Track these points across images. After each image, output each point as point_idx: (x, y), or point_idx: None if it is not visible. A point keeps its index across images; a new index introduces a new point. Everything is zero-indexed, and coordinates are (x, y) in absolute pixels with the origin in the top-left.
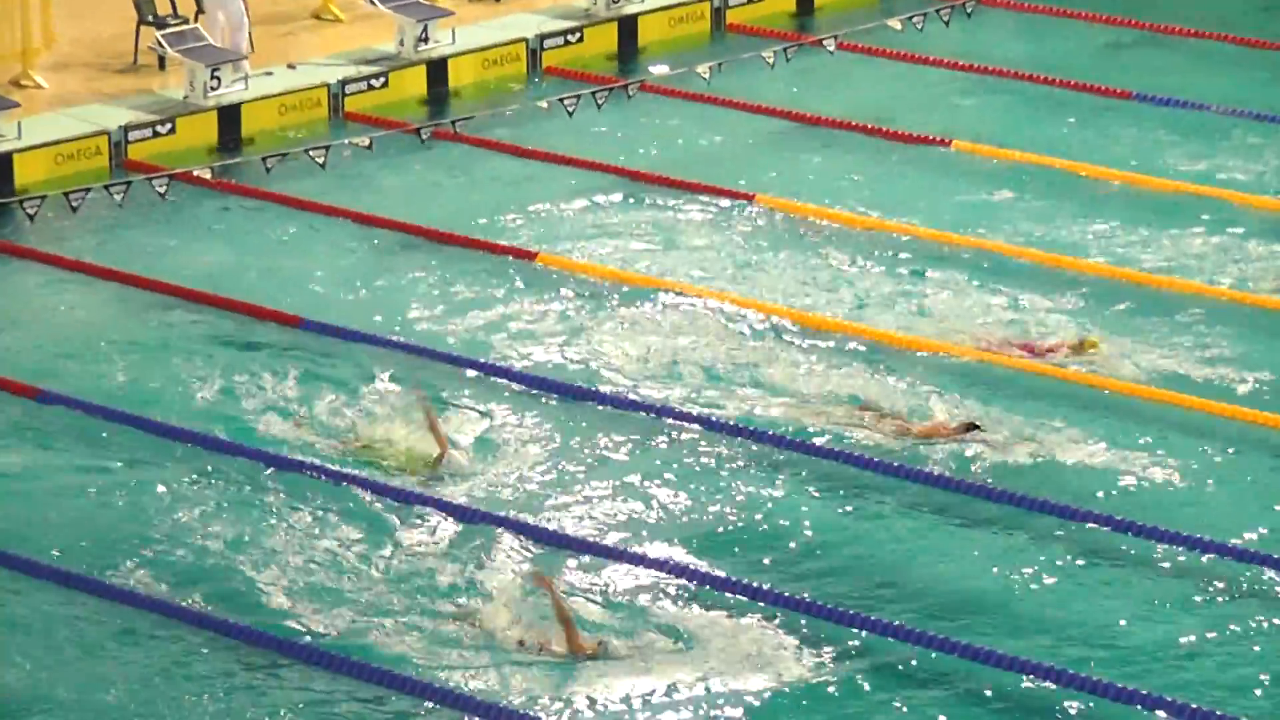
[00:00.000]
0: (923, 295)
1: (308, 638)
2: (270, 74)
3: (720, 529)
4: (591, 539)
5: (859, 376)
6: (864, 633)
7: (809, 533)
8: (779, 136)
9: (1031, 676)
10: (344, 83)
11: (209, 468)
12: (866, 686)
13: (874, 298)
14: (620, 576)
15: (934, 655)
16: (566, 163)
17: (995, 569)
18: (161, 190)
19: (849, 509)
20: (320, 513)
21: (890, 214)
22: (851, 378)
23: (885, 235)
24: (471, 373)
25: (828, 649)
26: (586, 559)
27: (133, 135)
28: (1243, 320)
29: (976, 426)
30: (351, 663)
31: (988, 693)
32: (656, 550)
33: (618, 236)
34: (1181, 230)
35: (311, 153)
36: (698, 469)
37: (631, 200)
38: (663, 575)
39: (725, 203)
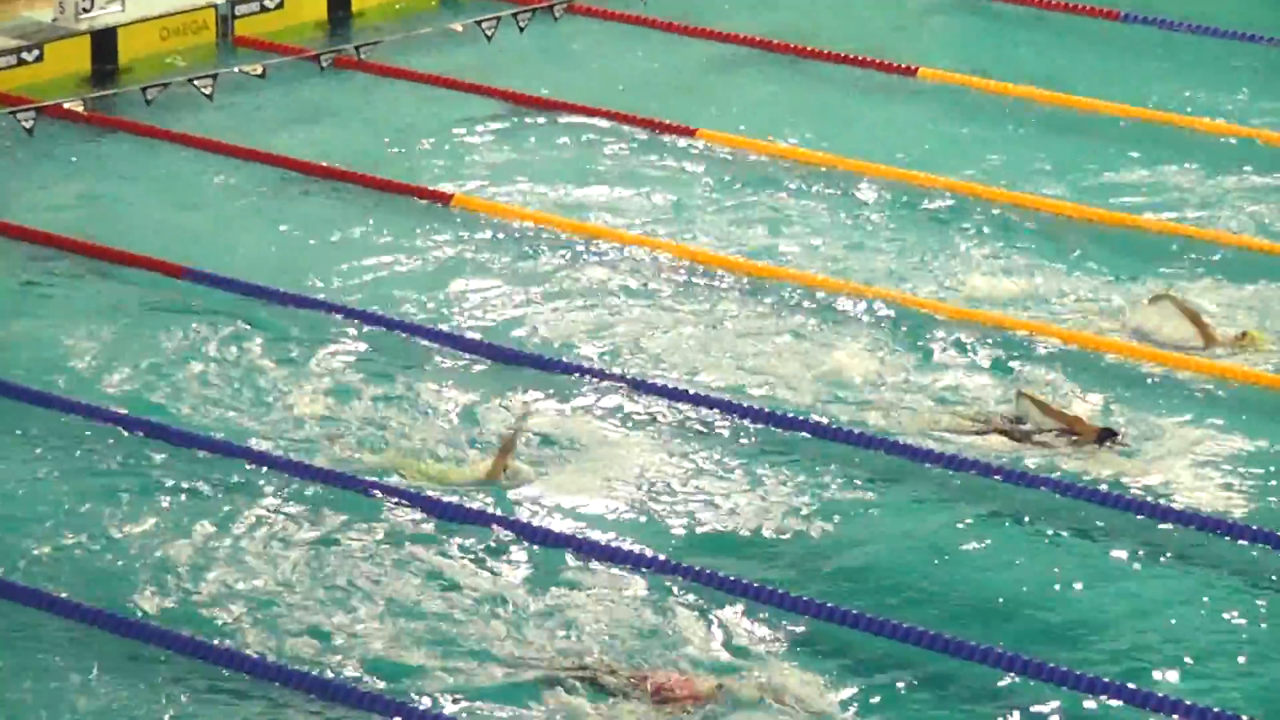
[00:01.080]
0: (902, 245)
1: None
2: None
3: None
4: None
5: (851, 343)
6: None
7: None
8: (725, 63)
9: None
10: (233, 3)
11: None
12: None
13: (846, 247)
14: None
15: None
16: (485, 93)
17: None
18: (28, 126)
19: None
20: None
21: (852, 151)
22: (840, 343)
23: (847, 175)
24: (381, 331)
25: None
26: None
27: None
28: None
29: (1113, 434)
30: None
31: None
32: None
33: (544, 176)
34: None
35: (197, 82)
36: (691, 450)
37: (559, 135)
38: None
39: (664, 138)
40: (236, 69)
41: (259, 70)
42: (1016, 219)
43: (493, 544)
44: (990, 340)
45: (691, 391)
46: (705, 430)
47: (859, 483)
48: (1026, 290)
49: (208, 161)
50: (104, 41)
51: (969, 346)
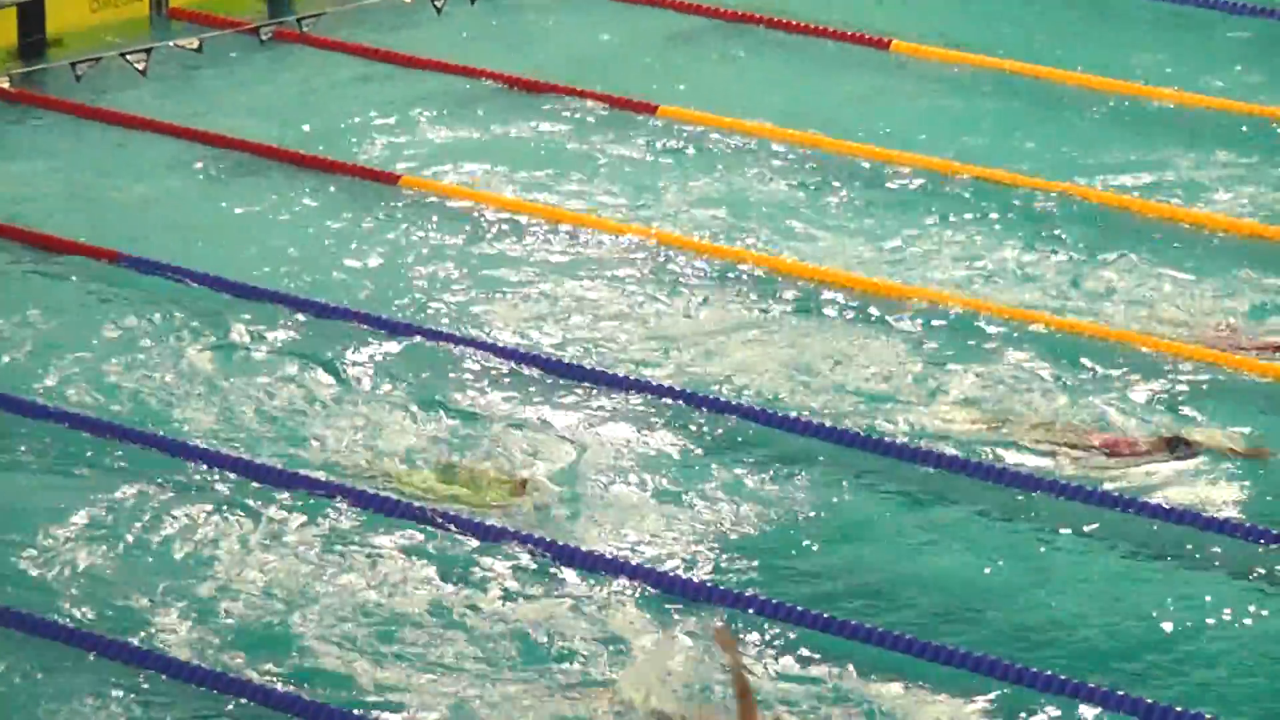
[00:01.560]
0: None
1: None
2: None
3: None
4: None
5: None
6: None
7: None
8: (687, 36)
9: None
10: None
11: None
12: None
13: (827, 232)
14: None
15: None
16: (434, 67)
17: None
18: None
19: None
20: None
21: (823, 127)
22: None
23: (817, 153)
24: (329, 321)
25: None
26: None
27: None
28: None
29: (1185, 443)
30: None
31: None
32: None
33: (497, 156)
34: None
35: (130, 57)
36: (679, 445)
37: (512, 113)
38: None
39: (624, 115)
40: (171, 43)
41: (195, 44)
42: (996, 198)
43: (522, 566)
44: (971, 325)
45: (663, 383)
46: (680, 425)
47: (912, 497)
48: (997, 269)
49: (142, 141)
50: (31, 14)
51: (940, 331)
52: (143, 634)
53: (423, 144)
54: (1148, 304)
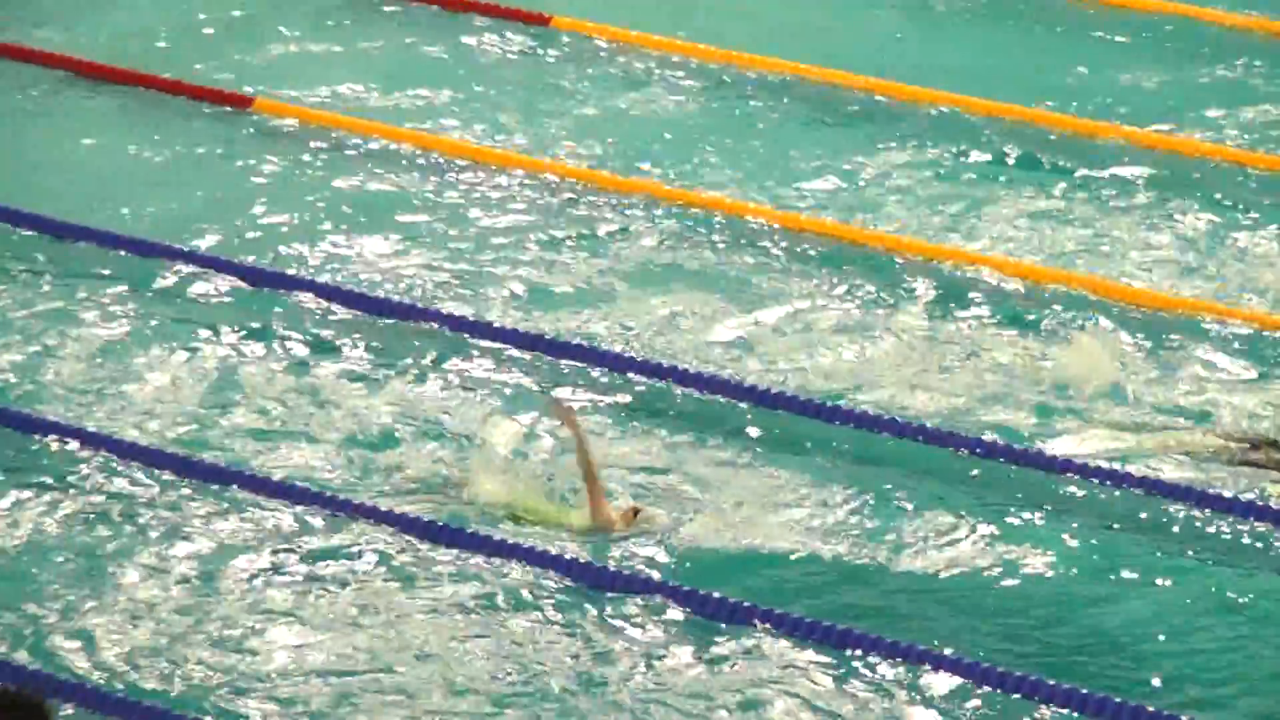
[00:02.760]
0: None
1: None
2: None
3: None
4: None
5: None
6: None
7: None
8: None
9: None
10: None
11: None
12: None
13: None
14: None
15: None
16: None
17: None
18: None
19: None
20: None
21: (739, 44)
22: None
23: (731, 70)
24: (182, 267)
25: None
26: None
27: None
28: None
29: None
30: None
31: None
32: None
33: (362, 74)
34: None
35: None
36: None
37: (379, 25)
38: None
39: (511, 26)
40: None
41: None
42: (954, 124)
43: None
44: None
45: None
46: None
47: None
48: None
49: None
50: None
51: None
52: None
53: (279, 60)
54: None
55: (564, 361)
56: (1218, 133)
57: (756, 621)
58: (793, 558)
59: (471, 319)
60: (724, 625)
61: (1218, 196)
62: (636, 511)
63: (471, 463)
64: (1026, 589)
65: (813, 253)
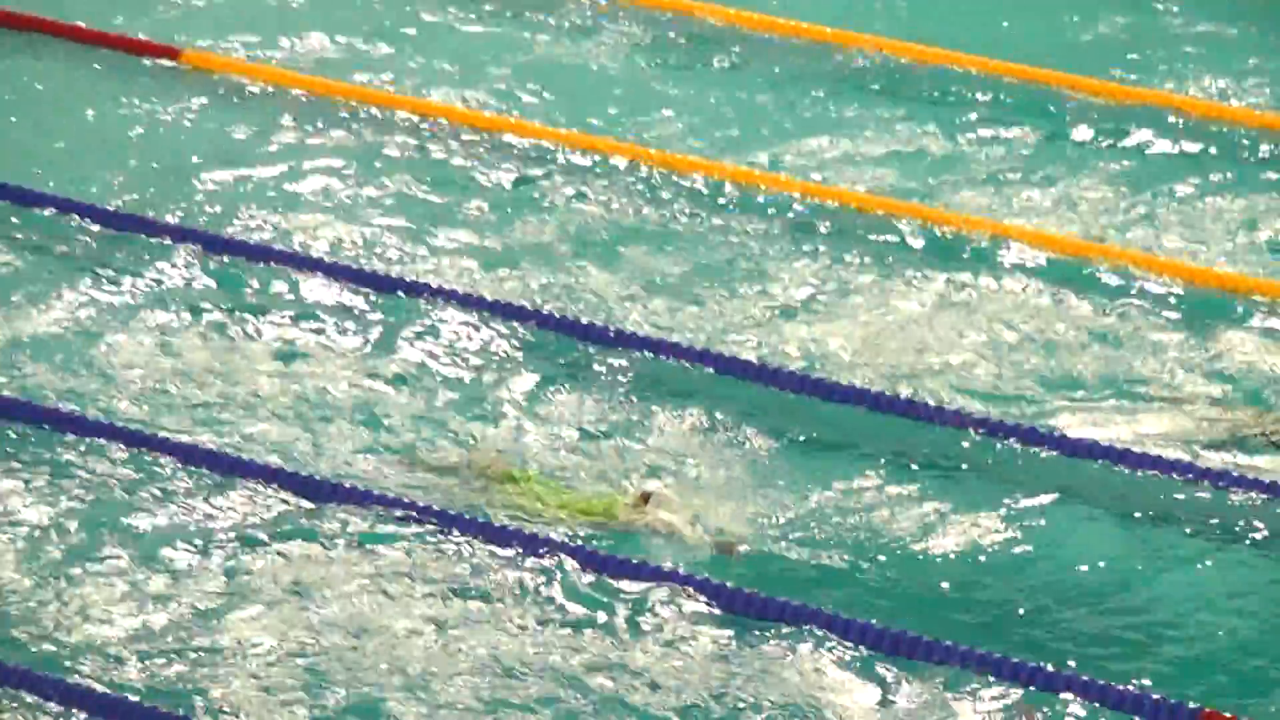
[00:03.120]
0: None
1: None
2: None
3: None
4: None
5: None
6: None
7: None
8: None
9: None
10: None
11: None
12: None
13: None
14: None
15: None
16: None
17: None
18: None
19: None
20: None
21: None
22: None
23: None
24: (101, 230)
25: None
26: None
27: None
28: None
29: None
30: None
31: None
32: None
33: (296, 24)
34: None
35: None
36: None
37: None
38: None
39: None
40: None
41: None
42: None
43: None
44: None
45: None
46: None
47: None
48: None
49: None
50: None
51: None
52: None
53: (206, 7)
54: None
55: (518, 325)
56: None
57: (780, 615)
58: (807, 546)
59: (433, 285)
60: (746, 619)
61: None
62: (648, 496)
63: (474, 454)
64: (1072, 580)
65: (777, 212)
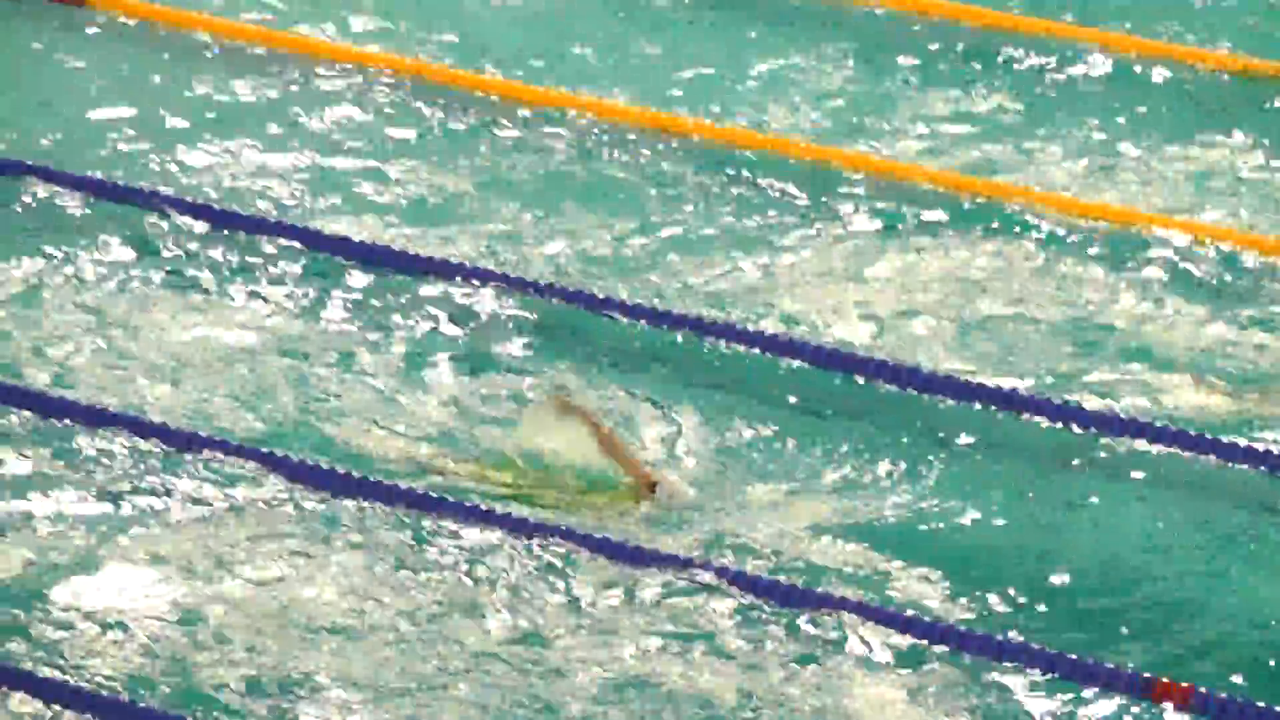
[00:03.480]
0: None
1: None
2: None
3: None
4: None
5: None
6: None
7: None
8: None
9: None
10: None
11: None
12: None
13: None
14: None
15: None
16: None
17: None
18: None
19: None
20: None
21: None
22: None
23: None
24: (37, 187)
25: None
26: None
27: None
28: None
29: None
30: None
31: None
32: None
33: None
34: None
35: None
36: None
37: None
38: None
39: None
40: None
41: None
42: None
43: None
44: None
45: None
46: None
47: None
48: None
49: None
50: None
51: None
52: None
53: None
54: None
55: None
56: None
57: (802, 603)
58: (826, 531)
59: (355, 240)
60: (766, 605)
61: None
62: (654, 485)
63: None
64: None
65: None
